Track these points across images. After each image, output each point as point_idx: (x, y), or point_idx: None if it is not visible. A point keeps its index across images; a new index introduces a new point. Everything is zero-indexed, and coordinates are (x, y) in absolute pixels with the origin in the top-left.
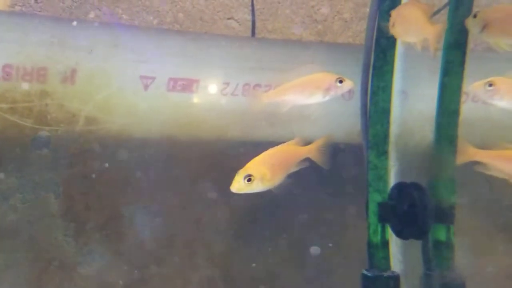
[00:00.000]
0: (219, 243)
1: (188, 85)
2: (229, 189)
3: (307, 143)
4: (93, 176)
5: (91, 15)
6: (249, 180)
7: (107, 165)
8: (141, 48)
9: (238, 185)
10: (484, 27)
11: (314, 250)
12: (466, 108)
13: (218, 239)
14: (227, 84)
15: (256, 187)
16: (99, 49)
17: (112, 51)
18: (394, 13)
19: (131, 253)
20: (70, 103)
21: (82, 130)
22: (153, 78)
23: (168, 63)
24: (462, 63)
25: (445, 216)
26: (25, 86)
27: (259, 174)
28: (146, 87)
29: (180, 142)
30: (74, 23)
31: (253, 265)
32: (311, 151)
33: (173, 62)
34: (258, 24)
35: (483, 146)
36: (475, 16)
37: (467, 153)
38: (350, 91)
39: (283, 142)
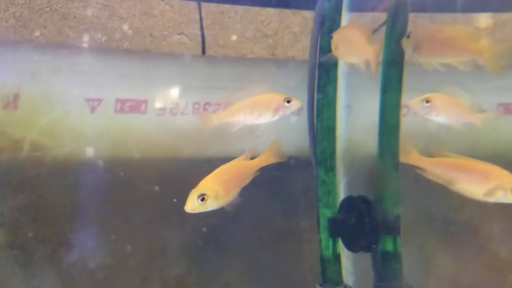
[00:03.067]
0: (173, 267)
1: (136, 106)
2: (183, 209)
3: (258, 155)
4: (40, 203)
5: (37, 33)
6: (202, 199)
7: (54, 192)
8: (86, 70)
9: (192, 205)
10: (416, 47)
11: None
12: (408, 121)
13: (171, 263)
14: (177, 103)
15: (210, 205)
16: (42, 72)
17: (56, 74)
18: (336, 36)
19: (83, 282)
20: (13, 130)
21: (27, 157)
22: (100, 100)
23: (115, 84)
24: (399, 80)
25: (391, 227)
26: None
27: (213, 192)
28: (92, 109)
29: (130, 164)
30: (16, 45)
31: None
32: (261, 161)
33: (120, 83)
34: (209, 39)
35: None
36: (408, 37)
37: (410, 157)
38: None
39: (235, 158)
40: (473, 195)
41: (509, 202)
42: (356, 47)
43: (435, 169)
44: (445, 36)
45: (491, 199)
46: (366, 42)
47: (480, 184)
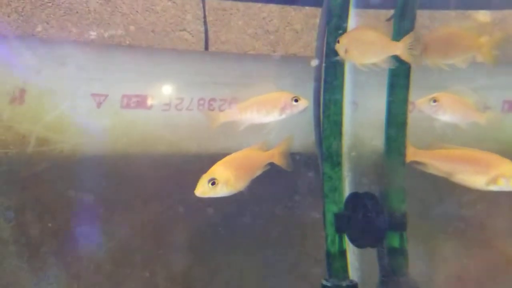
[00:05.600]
0: (178, 261)
1: (142, 102)
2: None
3: (270, 147)
4: (47, 198)
5: (39, 28)
6: (213, 183)
7: (60, 186)
8: (92, 66)
9: (203, 189)
10: (423, 49)
11: None
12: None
13: (176, 257)
14: (182, 99)
15: (221, 191)
16: (48, 68)
17: (62, 69)
18: (345, 39)
19: (88, 276)
20: (19, 124)
21: (33, 152)
22: (106, 96)
23: (121, 79)
24: (407, 76)
25: (397, 224)
26: None
27: (223, 178)
28: (99, 104)
29: (135, 159)
30: (22, 40)
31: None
32: (273, 156)
33: (126, 78)
34: (211, 35)
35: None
36: None
37: (408, 153)
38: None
39: None
40: (475, 185)
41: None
42: (375, 47)
43: (434, 162)
44: (449, 37)
45: (494, 188)
46: (388, 39)
47: (482, 174)
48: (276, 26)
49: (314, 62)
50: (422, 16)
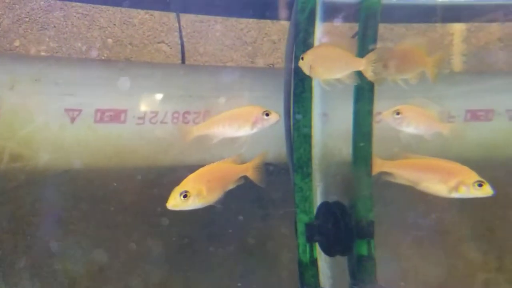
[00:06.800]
0: (152, 274)
1: (116, 116)
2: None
3: (244, 161)
4: (22, 214)
5: (16, 43)
6: (185, 196)
7: (34, 202)
8: (65, 81)
9: (174, 202)
10: (384, 65)
11: None
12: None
13: (151, 270)
14: (156, 112)
15: (192, 203)
16: (21, 84)
17: (35, 85)
18: (309, 56)
19: None
20: None
21: (7, 168)
22: (80, 110)
23: (95, 94)
24: (371, 90)
25: (365, 232)
26: None
27: (195, 190)
28: (72, 119)
29: (110, 173)
30: None
31: None
32: (247, 170)
33: (100, 93)
34: (189, 47)
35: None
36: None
37: (375, 165)
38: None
39: None
40: (438, 193)
41: (472, 197)
42: (340, 63)
43: (400, 172)
44: (403, 55)
45: (455, 195)
46: (353, 55)
47: (444, 182)
48: (254, 37)
49: None
50: (398, 25)
